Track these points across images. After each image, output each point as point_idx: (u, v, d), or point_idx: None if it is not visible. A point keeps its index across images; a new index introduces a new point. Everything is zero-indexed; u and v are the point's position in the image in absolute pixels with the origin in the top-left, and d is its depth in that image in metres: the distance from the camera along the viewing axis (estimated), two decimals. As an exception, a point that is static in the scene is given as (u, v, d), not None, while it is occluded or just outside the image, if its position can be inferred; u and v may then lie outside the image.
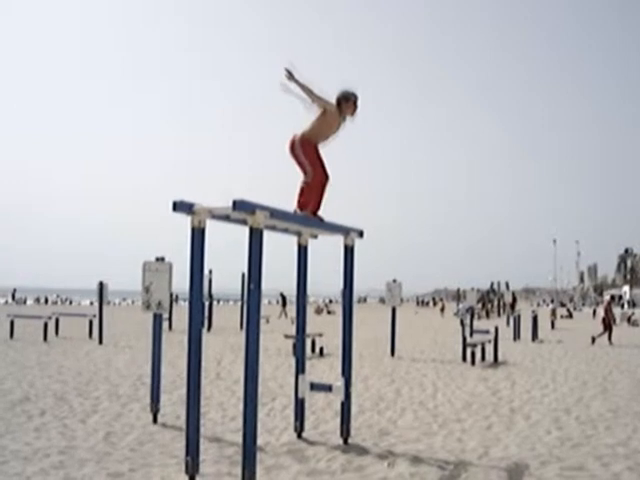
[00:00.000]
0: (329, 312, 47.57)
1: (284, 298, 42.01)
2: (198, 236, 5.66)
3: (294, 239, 7.24)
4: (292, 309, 20.98)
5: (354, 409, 8.22)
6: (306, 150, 6.35)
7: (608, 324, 21.46)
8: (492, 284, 56.11)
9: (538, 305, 77.37)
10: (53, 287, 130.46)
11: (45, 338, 19.49)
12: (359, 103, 6.55)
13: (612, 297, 32.47)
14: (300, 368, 7.31)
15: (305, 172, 6.39)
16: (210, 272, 27.09)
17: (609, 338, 21.12)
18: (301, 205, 6.41)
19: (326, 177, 6.42)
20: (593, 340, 21.03)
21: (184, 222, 5.65)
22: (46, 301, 73.72)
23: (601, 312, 22.34)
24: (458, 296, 51.40)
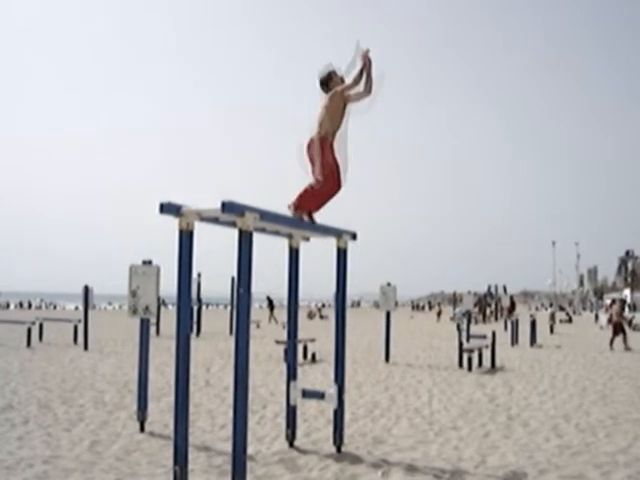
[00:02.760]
0: (321, 317, 47.55)
1: (271, 302, 41.91)
2: (186, 239, 5.66)
3: (281, 240, 7.22)
4: (281, 313, 20.85)
5: (347, 417, 8.23)
6: (324, 151, 6.22)
7: (621, 328, 21.51)
8: (489, 287, 56.32)
9: (537, 309, 77.67)
10: (36, 291, 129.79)
11: (28, 344, 19.41)
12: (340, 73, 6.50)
13: (623, 301, 32.48)
14: (292, 374, 7.32)
15: (316, 174, 6.25)
16: (199, 275, 27.05)
17: (611, 343, 21.15)
18: (298, 205, 6.30)
19: (338, 187, 6.35)
20: (628, 348, 20.92)
21: (172, 224, 5.65)
22: (29, 305, 73.44)
23: (607, 317, 22.45)
24: (454, 300, 51.52)
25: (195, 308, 25.25)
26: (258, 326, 30.96)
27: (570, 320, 46.09)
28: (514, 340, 22.89)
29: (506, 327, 30.77)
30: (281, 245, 7.24)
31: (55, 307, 73.38)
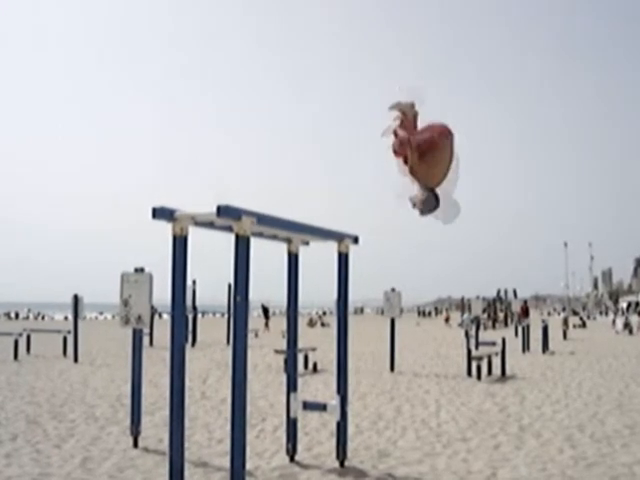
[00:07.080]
0: (323, 324, 47.51)
1: (266, 310, 41.73)
2: (180, 245, 5.67)
3: (279, 245, 7.22)
4: (280, 321, 20.84)
5: (351, 429, 8.23)
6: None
7: None
8: (499, 292, 56.21)
9: (549, 314, 77.58)
10: (24, 300, 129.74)
11: (16, 356, 19.41)
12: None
13: None
14: (292, 386, 7.32)
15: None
16: (194, 283, 27.03)
17: None
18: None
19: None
20: None
21: (165, 229, 5.67)
22: (16, 316, 73.35)
23: (623, 321, 22.37)
24: (462, 305, 51.46)
25: (190, 317, 25.21)
26: (256, 335, 30.96)
27: (584, 325, 46.05)
28: (525, 347, 22.88)
29: (517, 333, 30.75)
30: (280, 250, 7.26)
31: (43, 317, 73.20)
